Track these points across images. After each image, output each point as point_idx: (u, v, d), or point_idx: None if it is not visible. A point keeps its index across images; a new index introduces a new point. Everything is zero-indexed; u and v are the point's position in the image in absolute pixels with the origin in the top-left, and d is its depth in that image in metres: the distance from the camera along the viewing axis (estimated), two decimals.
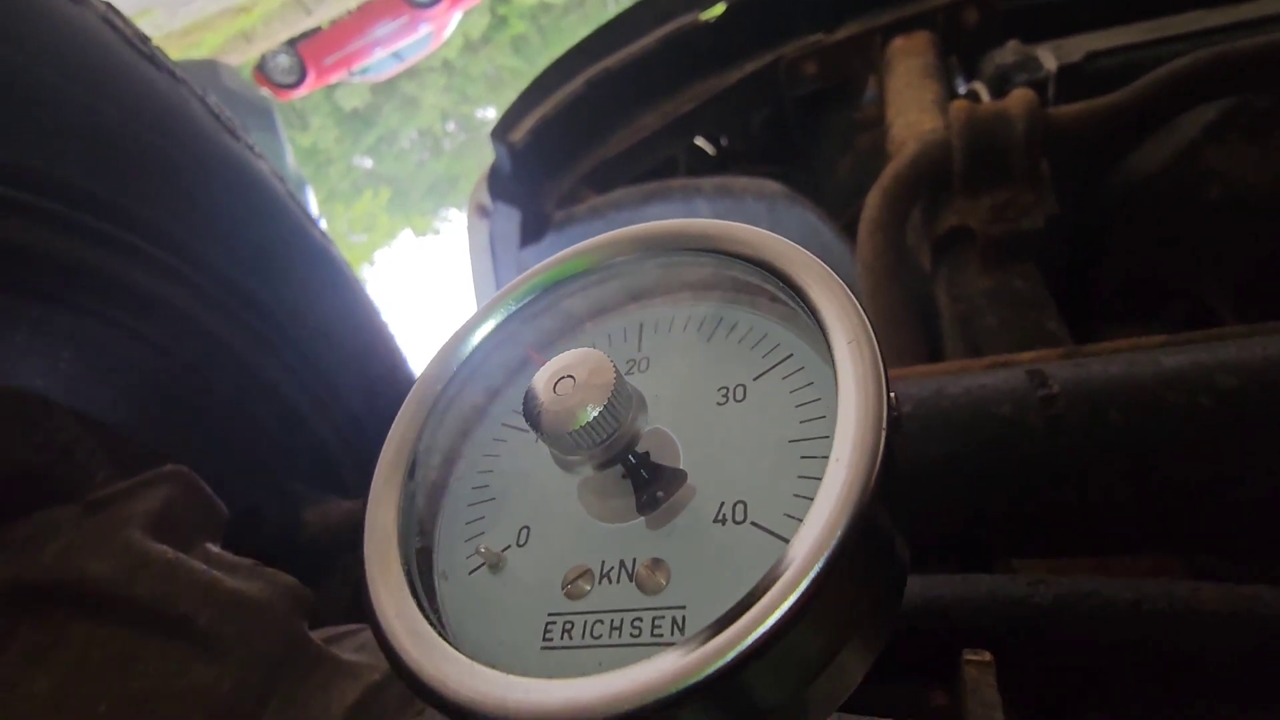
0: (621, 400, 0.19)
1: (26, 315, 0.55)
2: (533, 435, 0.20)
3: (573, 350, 0.20)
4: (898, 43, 1.35)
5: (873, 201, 0.92)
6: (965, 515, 0.32)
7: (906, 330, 0.84)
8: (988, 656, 0.23)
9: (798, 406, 0.21)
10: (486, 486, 0.24)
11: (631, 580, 0.20)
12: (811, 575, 0.15)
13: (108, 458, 0.50)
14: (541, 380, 0.20)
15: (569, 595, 0.20)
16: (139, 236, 0.59)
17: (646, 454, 0.21)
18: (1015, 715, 0.32)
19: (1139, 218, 1.08)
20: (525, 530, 0.22)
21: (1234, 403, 0.28)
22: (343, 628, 0.40)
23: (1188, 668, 0.33)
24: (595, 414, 0.19)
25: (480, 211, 1.23)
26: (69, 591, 0.33)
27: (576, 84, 1.35)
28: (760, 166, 1.49)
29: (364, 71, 11.42)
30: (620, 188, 1.28)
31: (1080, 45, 1.17)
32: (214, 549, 0.38)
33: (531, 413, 0.19)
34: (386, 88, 13.81)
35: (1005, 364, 0.53)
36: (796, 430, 0.20)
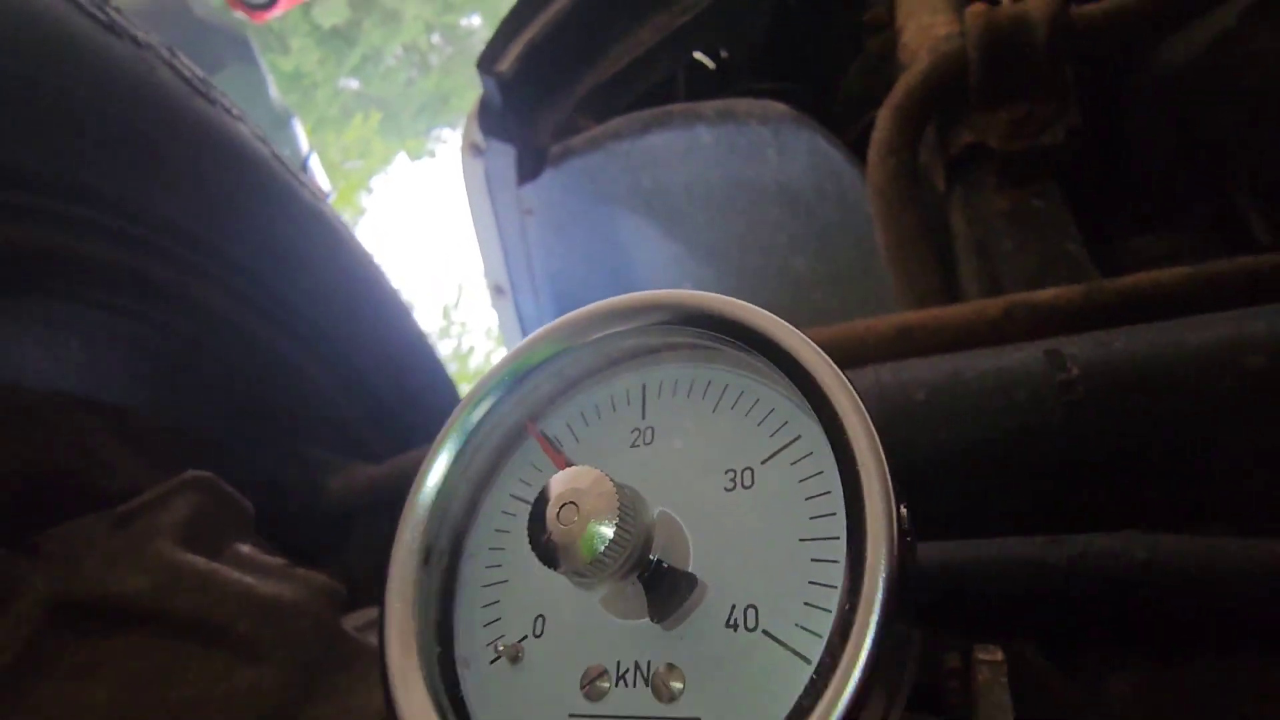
0: (629, 516, 0.19)
1: (27, 312, 0.55)
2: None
3: (565, 473, 0.20)
4: None
5: (883, 122, 0.87)
6: (982, 504, 0.32)
7: (921, 260, 0.81)
8: (999, 655, 0.23)
9: (807, 500, 0.20)
10: (500, 566, 0.24)
11: (648, 685, 0.20)
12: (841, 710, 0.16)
13: (129, 450, 0.51)
14: (547, 514, 0.20)
15: (588, 696, 0.21)
16: (120, 218, 0.58)
17: (659, 562, 0.21)
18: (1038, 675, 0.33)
19: (1165, 116, 1.02)
20: (540, 619, 0.23)
21: (1261, 384, 0.27)
22: (373, 612, 0.42)
23: (1202, 620, 0.34)
24: (609, 538, 0.18)
25: (473, 150, 1.18)
26: (110, 606, 0.35)
27: (563, 2, 1.26)
28: (763, 81, 1.40)
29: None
30: (618, 115, 1.22)
31: None
32: (244, 549, 0.39)
33: (547, 553, 0.19)
34: (365, 1, 13.00)
35: (1024, 306, 0.52)
36: (806, 528, 0.20)
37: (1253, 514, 0.31)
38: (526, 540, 0.22)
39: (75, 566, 0.37)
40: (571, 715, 0.21)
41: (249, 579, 0.36)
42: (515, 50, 1.20)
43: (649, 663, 0.20)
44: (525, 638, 0.23)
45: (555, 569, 0.19)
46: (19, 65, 0.50)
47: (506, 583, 0.24)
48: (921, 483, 0.31)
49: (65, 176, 0.53)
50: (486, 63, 1.19)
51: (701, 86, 1.44)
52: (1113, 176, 1.12)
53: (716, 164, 1.11)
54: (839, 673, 0.16)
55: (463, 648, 0.24)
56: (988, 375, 0.31)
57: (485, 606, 0.24)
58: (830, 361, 0.21)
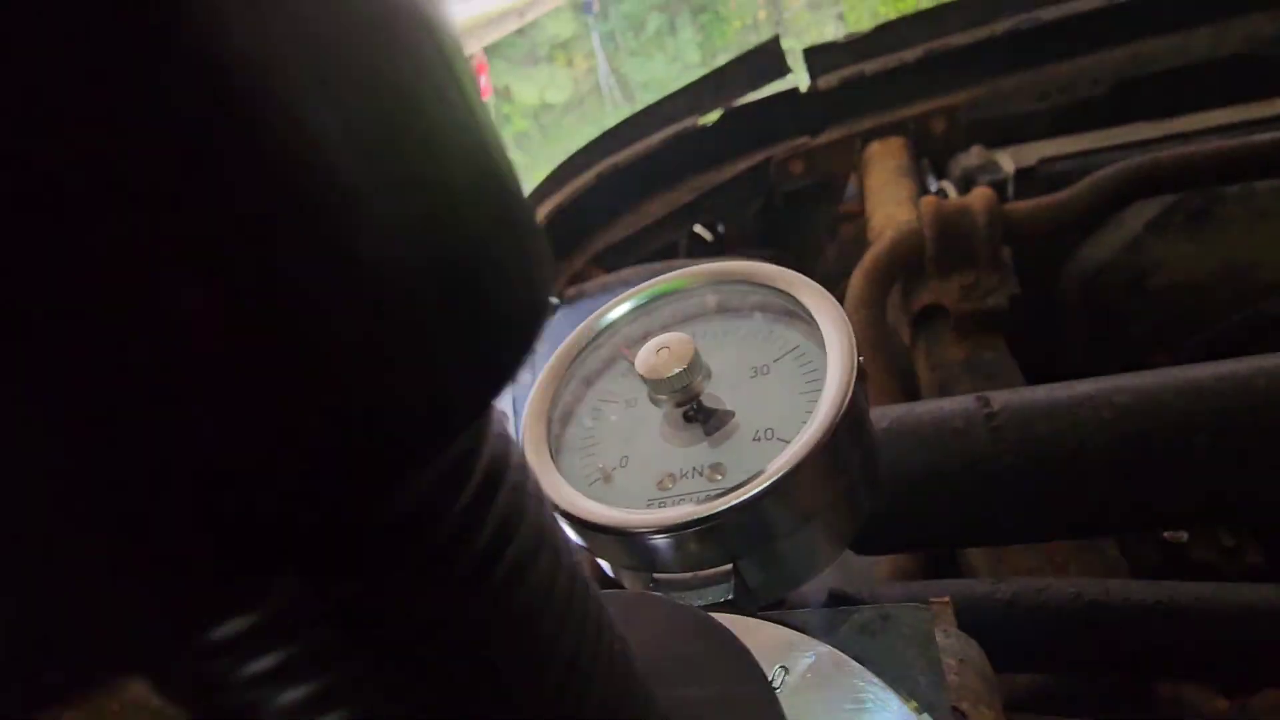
0: (695, 364, 0.28)
1: None
2: (630, 399, 0.28)
3: (667, 334, 0.29)
4: (874, 146, 1.52)
5: (856, 282, 1.03)
6: (931, 508, 0.39)
7: (890, 395, 0.93)
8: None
9: (805, 378, 0.29)
10: (596, 425, 0.33)
11: (701, 476, 0.28)
12: (807, 448, 0.24)
13: None
14: (648, 349, 0.29)
15: (660, 488, 0.28)
16: None
17: (704, 403, 0.30)
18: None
19: (1094, 300, 1.20)
20: (625, 458, 0.30)
21: (1127, 414, 0.37)
22: None
23: (1122, 648, 0.40)
24: (679, 369, 0.27)
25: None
26: None
27: (588, 176, 1.50)
28: (754, 251, 1.62)
29: None
30: (627, 268, 1.40)
31: (1035, 151, 1.34)
32: None
33: (644, 365, 0.28)
34: None
35: None
36: (805, 388, 0.29)
37: (1129, 525, 0.38)
38: (616, 416, 0.30)
39: None
40: (649, 499, 0.27)
41: None
42: (543, 210, 1.41)
43: (702, 465, 0.27)
44: (616, 468, 0.30)
45: (644, 378, 0.27)
46: None
47: (601, 441, 0.32)
48: (890, 498, 0.39)
49: None
50: None
51: (701, 253, 1.65)
52: (1057, 343, 1.28)
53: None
54: (803, 439, 0.24)
55: (563, 469, 0.31)
56: (934, 411, 0.40)
57: (585, 447, 0.32)
58: (824, 292, 0.31)
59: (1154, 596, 0.41)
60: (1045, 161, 1.27)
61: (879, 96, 1.57)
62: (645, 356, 0.28)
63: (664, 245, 1.59)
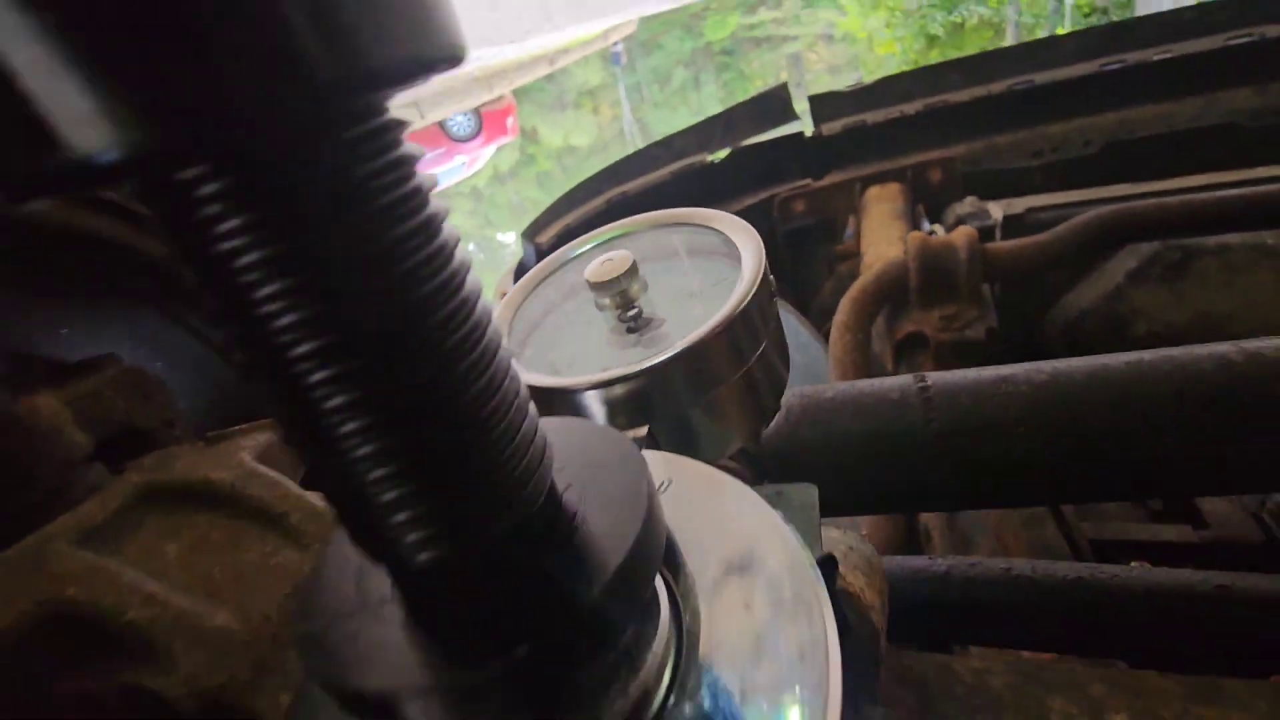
0: (631, 271, 0.32)
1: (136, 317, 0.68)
2: (586, 319, 0.33)
3: (612, 250, 0.34)
4: (873, 191, 1.59)
5: (843, 308, 1.08)
6: (874, 472, 0.43)
7: None
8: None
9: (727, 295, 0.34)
10: (554, 336, 0.37)
11: None
12: (710, 329, 0.28)
13: (195, 434, 0.61)
14: (596, 260, 0.33)
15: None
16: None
17: (642, 313, 0.34)
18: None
19: (1076, 344, 1.24)
20: (573, 357, 0.34)
21: (1043, 389, 0.40)
22: None
23: (1045, 622, 0.42)
24: (619, 274, 0.31)
25: (503, 296, 1.40)
26: (194, 491, 0.44)
27: (599, 201, 1.57)
28: None
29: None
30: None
31: (1024, 202, 1.40)
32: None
33: (591, 271, 0.32)
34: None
35: None
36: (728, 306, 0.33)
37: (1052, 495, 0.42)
38: (566, 329, 0.35)
39: (168, 464, 0.46)
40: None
41: (303, 491, 0.45)
42: (554, 229, 1.48)
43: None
44: (563, 365, 0.33)
45: (590, 284, 0.31)
46: None
47: (552, 347, 0.36)
48: (838, 466, 0.43)
49: None
50: (530, 232, 1.45)
51: None
52: None
53: None
54: (709, 324, 0.28)
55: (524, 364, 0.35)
56: (876, 384, 0.44)
57: (540, 354, 0.36)
58: (748, 228, 0.36)
59: (1075, 574, 0.44)
60: (1032, 210, 1.33)
61: (879, 145, 1.65)
62: (593, 266, 0.33)
63: None
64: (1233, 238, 1.21)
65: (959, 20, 11.60)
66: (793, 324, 1.20)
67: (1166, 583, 0.42)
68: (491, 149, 12.65)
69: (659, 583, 0.18)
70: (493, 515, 0.14)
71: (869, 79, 1.69)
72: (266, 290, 0.12)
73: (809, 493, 0.25)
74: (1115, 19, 1.69)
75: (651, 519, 0.15)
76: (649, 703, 0.16)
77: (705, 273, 0.35)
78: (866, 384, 0.44)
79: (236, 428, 0.50)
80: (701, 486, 0.22)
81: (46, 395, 0.47)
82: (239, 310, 0.13)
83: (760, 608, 0.18)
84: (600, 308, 0.33)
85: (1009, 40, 11.41)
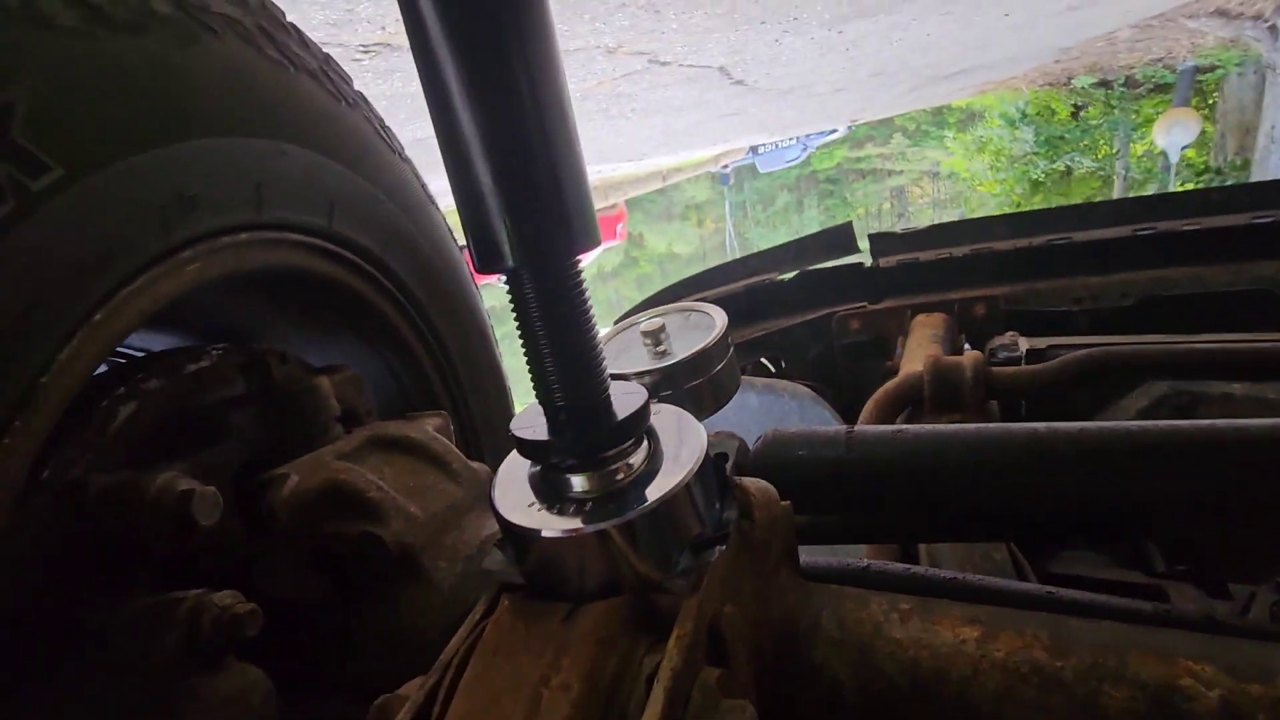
0: (661, 329, 0.59)
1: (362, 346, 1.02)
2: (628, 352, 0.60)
3: (653, 319, 0.61)
4: (920, 318, 1.81)
5: (867, 410, 1.30)
6: (818, 504, 0.65)
7: None
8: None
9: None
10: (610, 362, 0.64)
11: None
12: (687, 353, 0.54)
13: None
14: (644, 322, 0.60)
15: None
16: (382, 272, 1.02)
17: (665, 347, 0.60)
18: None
19: None
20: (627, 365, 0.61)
21: (948, 446, 0.62)
22: None
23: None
24: (655, 329, 0.58)
25: None
26: (399, 442, 0.73)
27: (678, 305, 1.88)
28: (808, 384, 1.91)
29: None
30: None
31: (1050, 340, 1.58)
32: None
33: (642, 327, 0.59)
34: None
35: None
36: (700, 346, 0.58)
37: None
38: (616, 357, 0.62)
39: (383, 427, 0.76)
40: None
41: (459, 451, 0.73)
42: None
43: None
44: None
45: (644, 334, 0.57)
46: (359, 180, 1.05)
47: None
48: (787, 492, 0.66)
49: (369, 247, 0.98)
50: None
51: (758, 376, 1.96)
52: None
53: (757, 420, 1.55)
54: (689, 351, 0.54)
55: None
56: (812, 431, 0.68)
57: None
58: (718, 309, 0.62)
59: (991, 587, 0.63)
60: (1054, 347, 1.51)
61: (930, 280, 1.89)
62: (643, 324, 0.59)
63: None
64: (1237, 387, 1.35)
65: (1063, 169, 11.76)
66: (827, 417, 1.43)
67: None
68: (599, 250, 13.60)
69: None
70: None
71: (972, 213, 1.95)
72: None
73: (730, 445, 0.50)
74: (1230, 181, 1.88)
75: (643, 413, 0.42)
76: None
77: (695, 332, 0.61)
78: (804, 430, 0.67)
79: (422, 412, 0.80)
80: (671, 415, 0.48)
81: (323, 377, 0.79)
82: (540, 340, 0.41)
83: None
84: (643, 343, 0.59)
85: (1116, 192, 11.41)
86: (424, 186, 1.07)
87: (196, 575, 0.61)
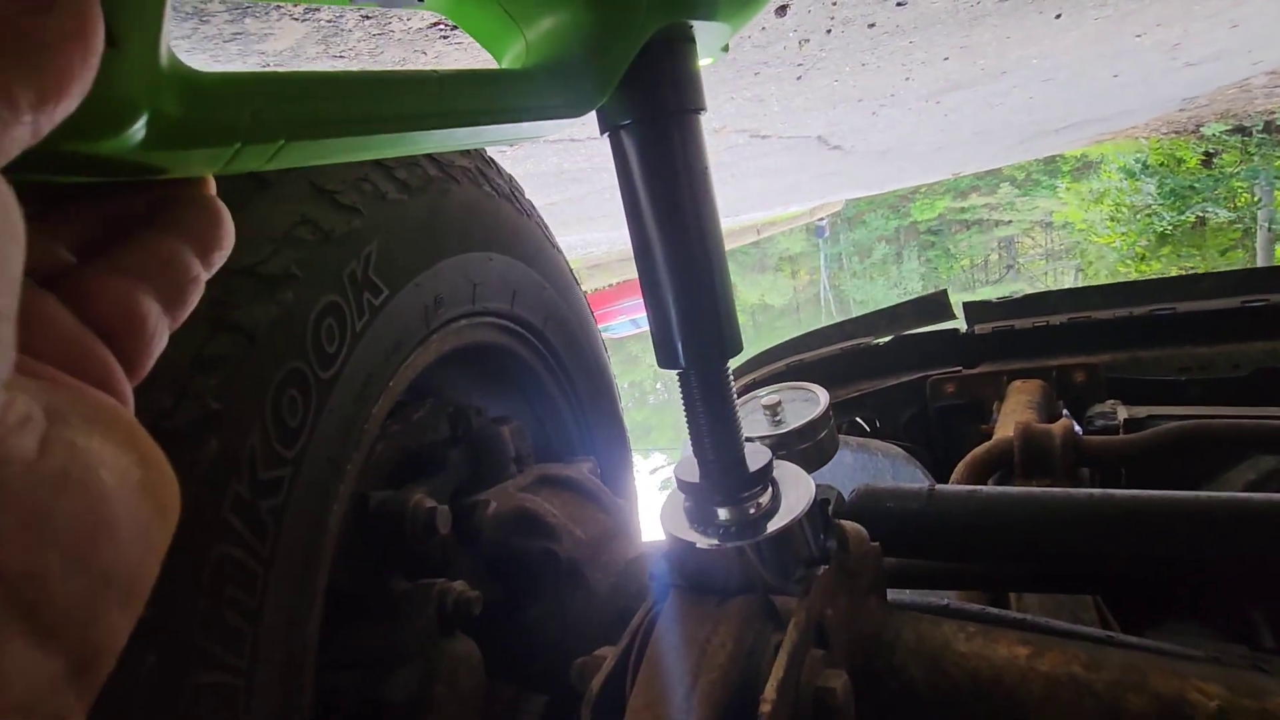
0: (779, 403, 0.75)
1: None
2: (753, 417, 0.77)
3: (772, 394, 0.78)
4: (1016, 384, 1.87)
5: (958, 470, 1.40)
6: (900, 549, 0.79)
7: None
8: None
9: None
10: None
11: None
12: (801, 420, 0.70)
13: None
14: (766, 396, 0.77)
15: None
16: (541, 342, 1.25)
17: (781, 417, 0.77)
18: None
19: None
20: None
21: (1017, 504, 0.75)
22: None
23: None
24: (774, 403, 0.75)
25: None
26: (561, 481, 0.94)
27: (779, 365, 2.03)
28: (902, 444, 1.99)
29: (607, 330, 14.04)
30: None
31: (1154, 410, 1.61)
32: None
33: (764, 401, 0.76)
34: (617, 344, 16.37)
35: None
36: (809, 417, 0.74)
37: None
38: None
39: (547, 468, 0.97)
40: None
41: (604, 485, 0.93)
42: (743, 381, 1.96)
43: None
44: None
45: (764, 407, 0.74)
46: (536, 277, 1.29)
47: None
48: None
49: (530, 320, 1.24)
50: None
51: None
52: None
53: (850, 478, 1.66)
54: (804, 419, 0.71)
55: None
56: (900, 486, 0.81)
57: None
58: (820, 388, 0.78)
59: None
60: (1153, 416, 1.54)
61: (1026, 346, 1.95)
62: (765, 398, 0.75)
63: None
64: None
65: (1194, 219, 10.98)
66: (918, 476, 1.52)
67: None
68: None
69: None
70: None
71: (1088, 270, 2.00)
72: None
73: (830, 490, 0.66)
74: None
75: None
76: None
77: (804, 405, 0.77)
78: (893, 486, 0.81)
79: (578, 457, 1.01)
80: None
81: (504, 426, 1.02)
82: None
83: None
84: (764, 413, 0.76)
85: (1259, 242, 10.51)
86: (572, 272, 1.31)
87: (426, 573, 0.82)
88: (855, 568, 0.62)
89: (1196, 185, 11.09)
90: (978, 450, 1.39)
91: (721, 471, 0.57)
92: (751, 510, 0.57)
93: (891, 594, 0.70)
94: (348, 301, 0.61)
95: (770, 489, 0.59)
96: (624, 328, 14.99)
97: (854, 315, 2.19)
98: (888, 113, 4.13)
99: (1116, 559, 0.70)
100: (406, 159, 0.75)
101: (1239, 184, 11.00)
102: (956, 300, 2.12)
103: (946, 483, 1.88)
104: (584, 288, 1.38)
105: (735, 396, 0.57)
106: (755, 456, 0.59)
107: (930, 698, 0.57)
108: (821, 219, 18.56)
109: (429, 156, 0.79)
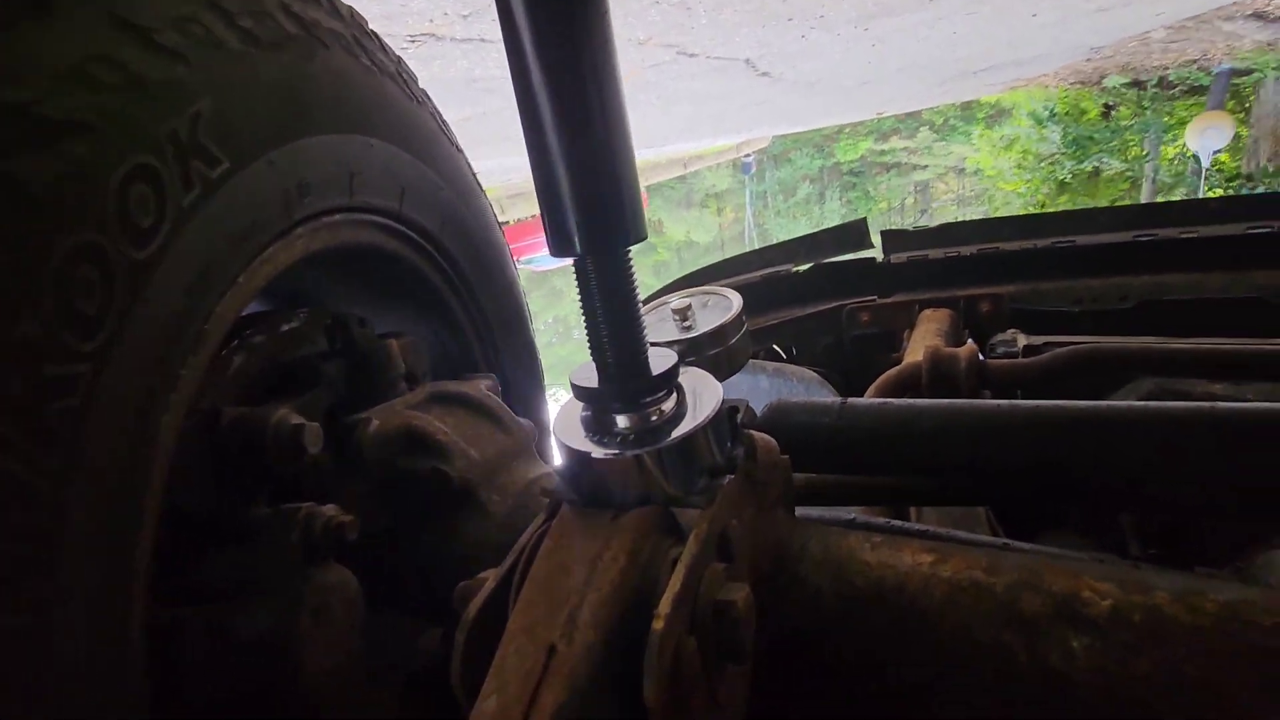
0: (689, 307, 0.70)
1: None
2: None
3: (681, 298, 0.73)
4: (927, 313, 1.91)
5: (869, 393, 1.41)
6: (810, 464, 0.77)
7: None
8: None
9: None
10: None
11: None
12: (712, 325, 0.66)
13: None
14: (674, 301, 0.72)
15: None
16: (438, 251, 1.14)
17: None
18: None
19: None
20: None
21: (924, 414, 0.74)
22: None
23: None
24: (684, 306, 0.70)
25: None
26: (457, 398, 0.85)
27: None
28: (816, 370, 2.02)
29: (529, 262, 13.64)
30: None
31: (1050, 339, 1.68)
32: None
33: (673, 305, 0.71)
34: (540, 278, 16.02)
35: None
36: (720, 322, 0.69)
37: None
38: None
39: (442, 385, 0.88)
40: None
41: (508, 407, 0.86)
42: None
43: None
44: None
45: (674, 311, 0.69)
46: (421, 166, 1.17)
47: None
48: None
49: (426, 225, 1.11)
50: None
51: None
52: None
53: (766, 402, 1.66)
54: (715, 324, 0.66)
55: None
56: (812, 400, 0.79)
57: None
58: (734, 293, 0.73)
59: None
60: (1050, 344, 1.61)
61: (939, 277, 1.98)
62: (673, 303, 0.71)
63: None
64: (1218, 387, 1.44)
65: (1091, 169, 11.64)
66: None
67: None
68: None
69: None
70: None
71: (995, 212, 2.04)
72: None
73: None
74: (1261, 189, 1.95)
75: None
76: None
77: (716, 310, 0.73)
78: (804, 401, 0.79)
79: (476, 374, 0.93)
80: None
81: (392, 340, 0.92)
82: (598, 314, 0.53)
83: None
84: (673, 318, 0.71)
85: (1145, 194, 11.30)
86: (475, 175, 1.19)
87: (300, 497, 0.74)
88: (763, 477, 0.58)
89: (1096, 136, 11.70)
90: (888, 373, 1.40)
91: (621, 374, 0.51)
92: (654, 417, 0.52)
93: (800, 511, 0.68)
94: (167, 167, 0.50)
95: (675, 395, 0.54)
96: (548, 260, 14.64)
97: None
98: (817, 36, 4.05)
99: (1018, 465, 0.70)
100: (253, 7, 0.62)
101: (1132, 137, 11.69)
102: (875, 232, 2.13)
103: None
104: (503, 219, 1.24)
105: (637, 289, 0.50)
106: (659, 360, 0.53)
107: (836, 607, 0.55)
108: (748, 155, 18.49)
109: (284, 9, 0.66)
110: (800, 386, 1.64)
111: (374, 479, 0.76)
